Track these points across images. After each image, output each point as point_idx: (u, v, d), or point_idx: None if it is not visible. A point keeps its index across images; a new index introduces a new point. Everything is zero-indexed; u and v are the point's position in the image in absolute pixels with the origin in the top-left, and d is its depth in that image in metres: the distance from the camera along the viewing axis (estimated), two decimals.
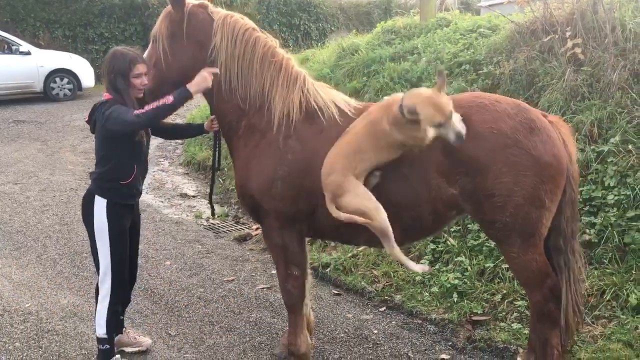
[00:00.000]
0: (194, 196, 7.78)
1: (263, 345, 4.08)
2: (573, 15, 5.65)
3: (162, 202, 7.47)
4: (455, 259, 4.83)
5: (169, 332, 4.26)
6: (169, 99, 3.26)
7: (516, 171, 3.01)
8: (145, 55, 3.61)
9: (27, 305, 4.62)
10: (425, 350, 4.04)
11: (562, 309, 3.25)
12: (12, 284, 5.00)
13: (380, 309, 4.63)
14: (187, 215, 6.97)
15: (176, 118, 11.90)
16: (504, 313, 4.26)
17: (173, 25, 3.48)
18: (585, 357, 3.68)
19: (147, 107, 3.27)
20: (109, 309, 3.59)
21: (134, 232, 3.79)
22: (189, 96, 3.32)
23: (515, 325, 4.08)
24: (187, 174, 8.90)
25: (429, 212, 3.24)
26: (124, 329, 3.95)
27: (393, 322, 4.42)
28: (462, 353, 3.99)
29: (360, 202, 3.07)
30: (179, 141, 10.60)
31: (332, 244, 5.60)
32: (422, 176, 3.16)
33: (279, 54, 3.52)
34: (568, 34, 5.53)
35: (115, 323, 3.71)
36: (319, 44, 15.48)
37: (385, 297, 4.74)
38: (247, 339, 4.16)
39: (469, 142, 3.01)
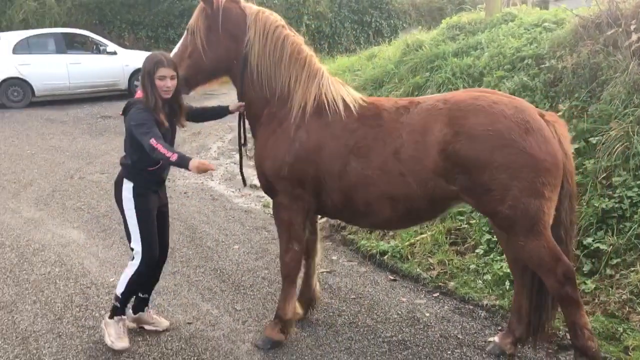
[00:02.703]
0: None
1: (320, 322, 4.38)
2: (639, 9, 5.59)
3: (233, 192, 7.91)
4: None
5: (235, 307, 4.63)
6: (174, 156, 3.47)
7: (512, 168, 3.23)
8: (178, 46, 3.96)
9: (111, 279, 5.13)
10: (475, 333, 4.20)
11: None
12: (98, 261, 5.55)
13: (434, 295, 4.82)
14: (256, 205, 7.36)
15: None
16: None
17: (209, 19, 3.84)
18: (633, 344, 3.74)
19: (162, 148, 3.48)
20: (131, 278, 3.94)
21: (161, 217, 4.07)
22: (184, 167, 3.50)
23: None
24: None
25: (426, 204, 3.51)
26: (146, 307, 4.27)
27: (445, 307, 4.60)
28: None
29: None
30: (249, 135, 11.06)
31: (391, 233, 5.82)
32: (417, 176, 3.42)
33: (304, 51, 3.86)
34: (633, 27, 5.49)
35: (133, 292, 4.05)
36: (390, 40, 15.60)
37: (440, 284, 4.92)
38: (306, 316, 4.47)
39: (466, 143, 3.26)
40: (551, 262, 3.34)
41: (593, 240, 4.53)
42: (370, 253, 5.58)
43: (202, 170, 3.54)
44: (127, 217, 3.93)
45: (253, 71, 3.85)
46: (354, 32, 22.67)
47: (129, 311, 4.27)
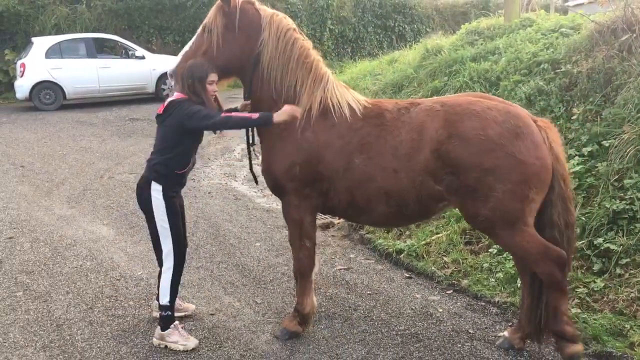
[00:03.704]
0: None
1: (336, 315, 4.58)
2: None
3: (255, 192, 8.15)
4: None
5: (256, 300, 4.85)
6: (254, 115, 3.73)
7: (499, 172, 3.41)
8: (190, 44, 4.11)
9: (139, 273, 5.41)
10: (486, 328, 4.35)
11: None
12: (127, 256, 5.83)
13: (447, 292, 4.97)
14: (277, 205, 7.54)
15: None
16: None
17: (226, 18, 4.00)
18: (638, 340, 3.85)
19: (237, 115, 3.74)
20: (172, 281, 4.07)
21: (181, 216, 4.24)
22: (269, 124, 3.78)
23: (574, 310, 4.28)
24: None
25: (414, 201, 3.71)
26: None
27: (458, 304, 4.76)
28: None
29: None
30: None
31: (407, 232, 6.00)
32: (409, 171, 3.63)
33: (311, 55, 4.03)
34: None
35: (177, 292, 4.16)
36: (411, 45, 15.71)
37: (453, 281, 5.07)
38: (323, 309, 4.67)
39: (458, 145, 3.46)
40: (537, 254, 3.54)
41: (604, 241, 4.64)
42: (387, 252, 5.75)
43: (292, 115, 3.74)
44: (158, 220, 4.06)
45: (264, 71, 4.02)
46: (377, 36, 22.82)
47: (155, 302, 4.51)
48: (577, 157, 5.31)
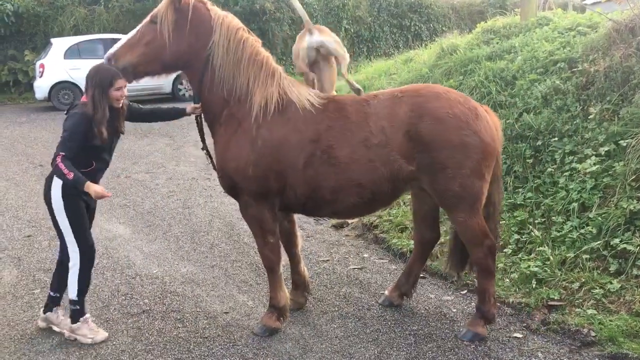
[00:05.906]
0: None
1: (349, 314, 4.58)
2: None
3: None
4: (538, 249, 5.03)
5: None
6: (71, 175, 3.69)
7: (466, 149, 3.64)
8: (132, 32, 3.99)
9: (154, 271, 5.46)
10: (500, 329, 4.32)
11: None
12: (142, 254, 5.88)
13: (461, 292, 4.95)
14: None
15: None
16: (580, 300, 4.42)
17: (178, 13, 3.90)
18: None
19: (62, 165, 3.71)
20: (79, 277, 4.08)
21: (88, 214, 4.22)
22: (80, 188, 3.75)
23: (590, 311, 4.24)
24: None
25: (388, 187, 3.84)
26: (55, 307, 4.35)
27: (472, 304, 4.72)
28: (535, 334, 4.23)
29: None
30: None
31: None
32: (385, 159, 3.73)
33: (262, 52, 4.04)
34: None
35: (85, 287, 4.15)
36: (426, 44, 15.64)
37: (467, 282, 5.04)
38: (336, 308, 4.68)
39: (430, 124, 3.66)
40: (481, 237, 3.92)
41: (620, 241, 4.59)
42: (400, 251, 5.74)
43: (98, 197, 3.82)
44: (56, 217, 4.04)
45: (214, 72, 3.95)
46: (393, 36, 22.78)
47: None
48: (593, 157, 5.25)
